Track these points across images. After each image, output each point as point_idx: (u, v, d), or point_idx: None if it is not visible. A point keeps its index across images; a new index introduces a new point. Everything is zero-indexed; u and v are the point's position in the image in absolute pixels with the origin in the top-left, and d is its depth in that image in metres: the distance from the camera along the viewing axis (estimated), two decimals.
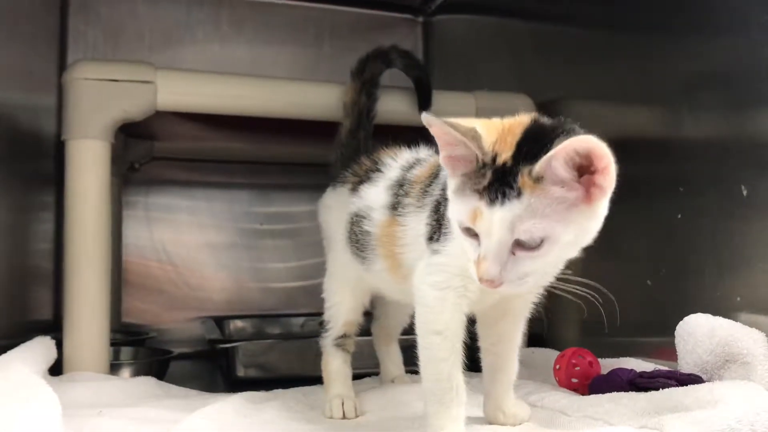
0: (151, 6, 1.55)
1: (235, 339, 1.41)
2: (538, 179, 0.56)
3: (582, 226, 0.58)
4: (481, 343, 0.77)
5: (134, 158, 1.47)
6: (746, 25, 0.81)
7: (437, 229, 0.68)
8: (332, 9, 1.68)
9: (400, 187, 0.77)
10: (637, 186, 0.99)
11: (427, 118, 0.58)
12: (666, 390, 0.72)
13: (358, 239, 0.81)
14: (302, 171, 1.56)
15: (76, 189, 0.97)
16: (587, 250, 1.10)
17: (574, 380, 0.93)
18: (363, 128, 0.96)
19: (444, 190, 0.66)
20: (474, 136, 0.58)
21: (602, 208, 0.59)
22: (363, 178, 0.84)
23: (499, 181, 0.56)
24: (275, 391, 0.95)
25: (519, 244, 0.56)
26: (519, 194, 0.55)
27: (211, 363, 1.35)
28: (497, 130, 0.59)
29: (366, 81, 1.00)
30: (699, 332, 0.78)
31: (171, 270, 1.55)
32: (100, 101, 0.97)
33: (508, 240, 0.56)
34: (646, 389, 0.77)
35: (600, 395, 0.79)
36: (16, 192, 1.11)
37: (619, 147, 1.00)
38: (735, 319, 0.79)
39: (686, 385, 0.73)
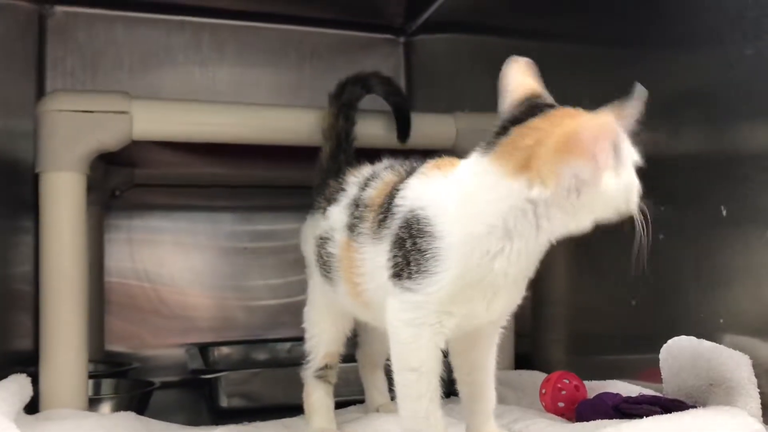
0: (130, 31, 1.54)
1: (220, 366, 1.40)
2: None
3: None
4: (456, 374, 0.76)
5: (115, 185, 1.46)
6: (721, 43, 0.81)
7: (405, 266, 0.66)
8: (313, 31, 1.67)
9: (356, 207, 0.76)
10: None
11: None
12: (650, 419, 0.70)
13: (324, 261, 0.80)
14: (287, 193, 1.55)
15: (50, 222, 0.95)
16: (573, 269, 1.11)
17: (561, 404, 0.92)
18: (343, 152, 0.94)
19: (410, 225, 0.65)
20: None
21: None
22: (330, 200, 0.83)
23: None
24: (255, 423, 0.93)
25: None
26: None
27: (197, 392, 1.33)
28: None
29: (344, 105, 0.99)
30: (682, 356, 0.77)
31: (154, 295, 1.53)
32: (74, 133, 0.95)
33: None
34: (630, 415, 0.76)
35: (585, 423, 0.78)
36: None
37: None
38: (719, 341, 0.78)
39: (670, 411, 0.72)
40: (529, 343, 1.20)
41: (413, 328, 0.66)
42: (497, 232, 0.62)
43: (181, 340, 1.49)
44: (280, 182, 1.53)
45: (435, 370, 0.66)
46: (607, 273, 1.02)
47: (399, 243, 0.67)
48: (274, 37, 1.64)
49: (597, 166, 0.59)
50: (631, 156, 0.63)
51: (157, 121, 1.00)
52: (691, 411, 0.72)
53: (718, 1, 0.81)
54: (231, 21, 1.60)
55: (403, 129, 1.05)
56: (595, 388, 0.94)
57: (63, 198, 0.96)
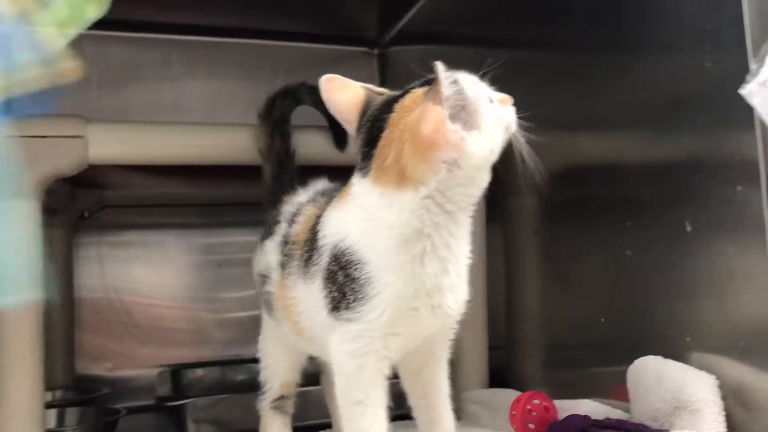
0: (99, 49, 1.52)
1: (195, 390, 1.37)
2: None
3: None
4: (411, 400, 0.74)
5: (84, 207, 1.44)
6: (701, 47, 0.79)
7: (341, 298, 0.65)
8: (287, 45, 1.65)
9: (285, 244, 0.75)
10: (592, 218, 0.97)
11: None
12: None
13: (265, 299, 0.79)
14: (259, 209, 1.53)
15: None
16: (546, 284, 1.09)
17: (531, 426, 0.90)
18: (286, 171, 0.92)
19: (337, 258, 0.65)
20: None
21: None
22: (267, 233, 0.81)
23: None
24: None
25: None
26: None
27: (169, 417, 1.30)
28: None
29: (277, 121, 0.96)
30: (648, 377, 0.75)
31: (126, 316, 1.50)
32: (26, 159, 0.93)
33: None
34: None
35: None
36: None
37: (571, 175, 0.99)
38: (686, 361, 0.76)
39: None
40: (503, 357, 1.18)
41: (356, 359, 0.65)
42: (412, 237, 0.63)
43: (155, 359, 1.46)
44: (250, 199, 1.51)
45: (381, 400, 0.65)
46: (577, 288, 1.00)
47: (331, 278, 0.66)
48: (246, 53, 1.62)
49: (455, 145, 0.61)
50: (483, 99, 0.64)
51: (114, 144, 0.98)
52: None
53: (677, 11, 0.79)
54: (202, 37, 1.58)
55: (339, 137, 1.01)
56: (565, 408, 0.91)
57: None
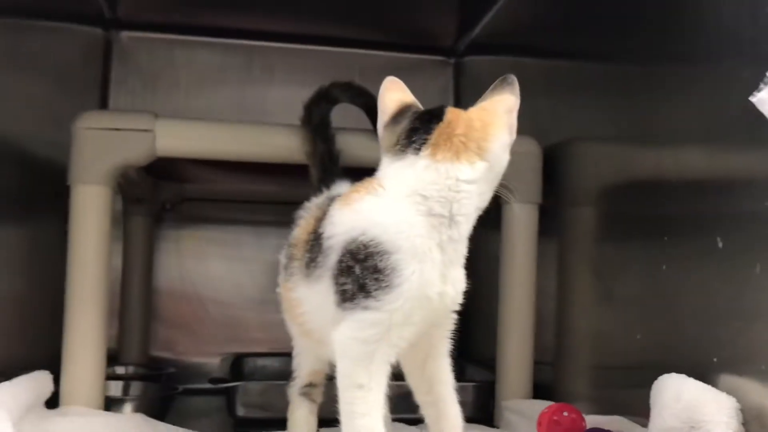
0: (187, 53, 1.63)
1: (256, 378, 1.43)
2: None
3: None
4: (417, 397, 0.75)
5: (165, 199, 1.54)
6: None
7: (358, 289, 0.66)
8: (363, 53, 1.71)
9: (288, 247, 0.78)
10: (634, 232, 0.95)
11: None
12: None
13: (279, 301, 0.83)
14: None
15: (78, 231, 1.02)
16: (585, 299, 1.07)
17: None
18: (331, 173, 0.95)
19: (355, 253, 0.67)
20: None
21: None
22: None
23: None
24: None
25: None
26: None
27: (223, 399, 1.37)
28: None
29: (317, 126, 0.99)
30: (667, 395, 0.73)
31: (199, 305, 1.60)
32: (101, 149, 1.02)
33: None
34: None
35: None
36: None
37: (620, 190, 0.97)
38: (711, 381, 0.73)
39: None
40: (550, 372, 1.17)
41: (368, 345, 0.66)
42: (435, 224, 0.68)
43: (224, 349, 1.54)
44: None
45: (383, 386, 0.67)
46: (619, 304, 0.98)
47: (345, 272, 0.67)
48: (322, 59, 1.68)
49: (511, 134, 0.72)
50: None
51: (179, 138, 1.06)
52: None
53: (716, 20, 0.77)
54: (280, 44, 1.66)
55: None
56: (597, 423, 0.90)
57: (89, 209, 1.02)
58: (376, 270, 0.65)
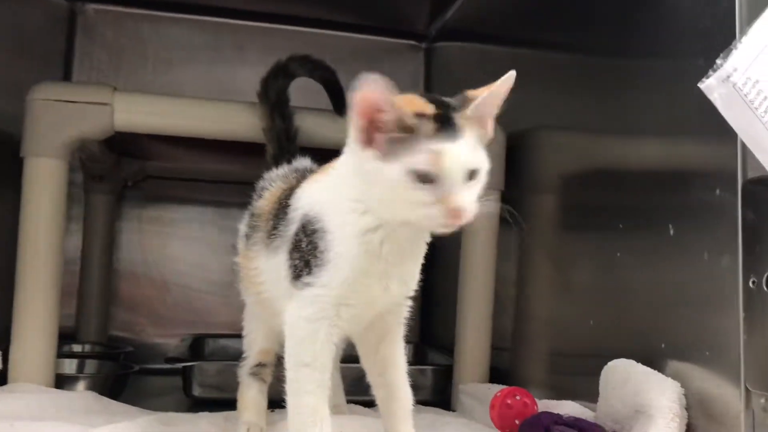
0: (155, 29, 1.60)
1: (216, 358, 1.42)
2: (469, 119, 0.63)
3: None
4: (370, 378, 0.75)
5: (127, 176, 1.52)
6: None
7: (304, 265, 0.67)
8: (336, 35, 1.69)
9: (251, 216, 0.77)
10: (591, 220, 0.96)
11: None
12: None
13: (235, 269, 0.82)
14: None
15: (30, 204, 1.00)
16: (543, 285, 1.07)
17: (516, 421, 0.89)
18: (287, 152, 0.94)
19: (305, 227, 0.66)
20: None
21: None
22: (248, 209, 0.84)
23: (444, 125, 0.61)
24: (200, 414, 0.95)
25: (469, 176, 0.63)
26: (462, 132, 0.62)
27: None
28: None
29: (274, 102, 0.98)
30: (615, 379, 0.74)
31: (162, 286, 1.58)
32: (56, 121, 1.00)
33: (465, 171, 0.62)
34: None
35: None
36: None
37: (580, 179, 0.98)
38: (659, 367, 0.74)
39: None
40: (508, 357, 1.17)
41: (311, 324, 0.67)
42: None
43: (184, 330, 1.52)
44: None
45: (327, 366, 0.67)
46: (575, 291, 0.99)
47: (296, 246, 0.68)
48: (295, 39, 1.66)
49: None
50: None
51: (138, 113, 1.04)
52: None
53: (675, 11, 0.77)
54: (250, 22, 1.64)
55: (338, 101, 1.02)
56: (548, 407, 0.90)
57: (42, 183, 1.00)
58: (316, 247, 0.66)
